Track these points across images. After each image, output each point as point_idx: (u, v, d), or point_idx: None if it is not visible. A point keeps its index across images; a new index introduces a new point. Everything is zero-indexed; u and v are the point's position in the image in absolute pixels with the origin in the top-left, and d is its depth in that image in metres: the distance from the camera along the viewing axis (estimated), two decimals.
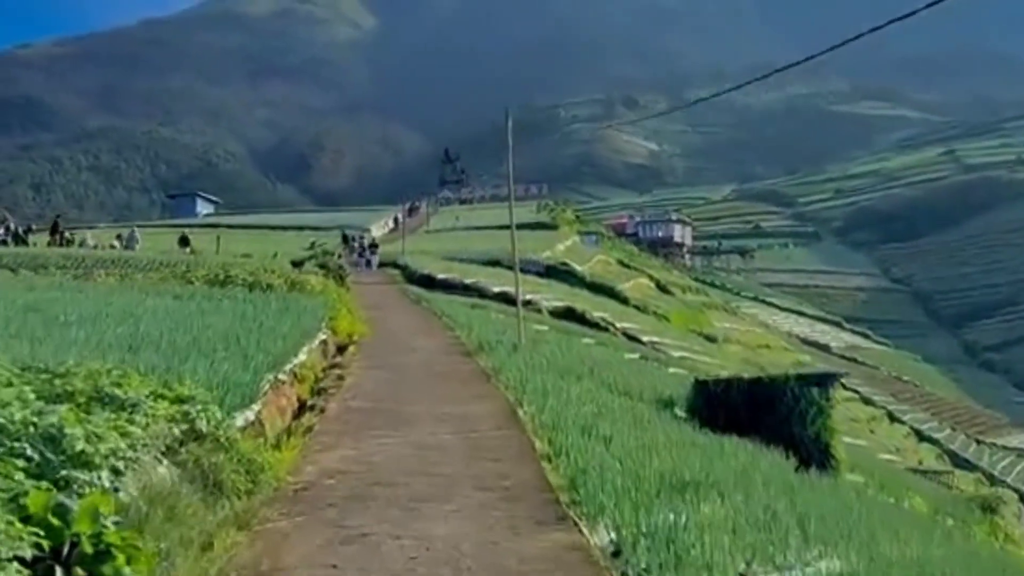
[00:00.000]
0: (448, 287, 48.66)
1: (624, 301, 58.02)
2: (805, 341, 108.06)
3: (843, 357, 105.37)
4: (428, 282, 49.47)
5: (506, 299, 47.68)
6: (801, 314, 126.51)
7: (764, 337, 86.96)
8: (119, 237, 47.85)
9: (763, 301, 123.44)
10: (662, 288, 76.57)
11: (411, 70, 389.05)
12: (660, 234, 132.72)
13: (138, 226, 75.22)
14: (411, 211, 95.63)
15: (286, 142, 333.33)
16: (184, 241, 43.84)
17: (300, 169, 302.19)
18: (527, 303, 49.16)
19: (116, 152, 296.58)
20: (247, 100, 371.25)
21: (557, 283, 55.88)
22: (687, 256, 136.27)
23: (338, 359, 19.42)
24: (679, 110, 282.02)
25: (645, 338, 48.74)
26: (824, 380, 17.49)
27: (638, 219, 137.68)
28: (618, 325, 49.01)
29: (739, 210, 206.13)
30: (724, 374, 22.80)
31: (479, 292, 48.43)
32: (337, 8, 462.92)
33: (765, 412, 16.59)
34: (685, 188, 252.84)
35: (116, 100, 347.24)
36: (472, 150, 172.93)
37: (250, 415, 10.18)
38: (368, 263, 54.66)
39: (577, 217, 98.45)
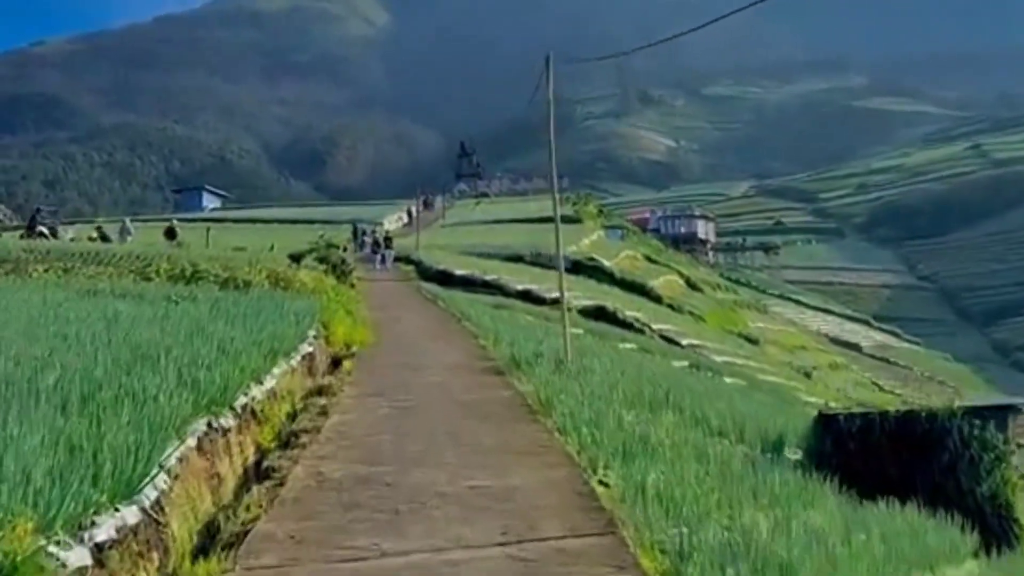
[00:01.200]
0: (466, 284, 44.04)
1: (657, 299, 53.16)
2: (835, 340, 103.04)
3: (874, 357, 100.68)
4: (444, 279, 44.83)
5: (530, 297, 43.05)
6: (828, 312, 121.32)
7: (798, 337, 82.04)
8: (99, 229, 43.12)
9: (789, 299, 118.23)
10: (692, 285, 71.61)
11: (425, 67, 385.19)
12: (683, 230, 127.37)
13: (139, 219, 70.76)
14: (425, 205, 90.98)
15: (300, 139, 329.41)
16: (170, 233, 39.10)
17: (314, 166, 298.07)
18: (555, 301, 44.50)
19: (130, 149, 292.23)
20: (261, 97, 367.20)
21: (584, 279, 51.07)
22: (710, 253, 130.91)
23: (328, 379, 14.56)
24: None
25: (684, 341, 44.06)
26: (1002, 414, 12.48)
27: (660, 214, 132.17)
28: (654, 326, 44.35)
29: (759, 206, 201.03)
30: (820, 401, 18.06)
31: (500, 290, 43.83)
32: (351, 5, 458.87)
33: (919, 459, 11.71)
34: (702, 184, 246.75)
35: (131, 97, 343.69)
36: (486, 146, 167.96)
37: (104, 537, 5.13)
38: (382, 259, 49.69)
39: (600, 211, 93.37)
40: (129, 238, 41.75)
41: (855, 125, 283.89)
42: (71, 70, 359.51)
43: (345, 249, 40.44)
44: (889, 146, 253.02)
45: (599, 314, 43.14)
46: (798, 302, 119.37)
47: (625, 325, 42.74)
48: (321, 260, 30.63)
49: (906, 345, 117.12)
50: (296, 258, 32.26)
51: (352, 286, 29.93)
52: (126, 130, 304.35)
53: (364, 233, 64.00)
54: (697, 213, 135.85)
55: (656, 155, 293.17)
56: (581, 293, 45.30)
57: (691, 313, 54.95)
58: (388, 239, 53.65)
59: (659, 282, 59.21)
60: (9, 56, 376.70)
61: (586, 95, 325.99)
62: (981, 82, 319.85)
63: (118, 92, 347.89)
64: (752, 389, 29.51)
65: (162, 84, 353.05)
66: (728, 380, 30.27)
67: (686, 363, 31.51)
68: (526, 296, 43.53)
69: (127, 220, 47.12)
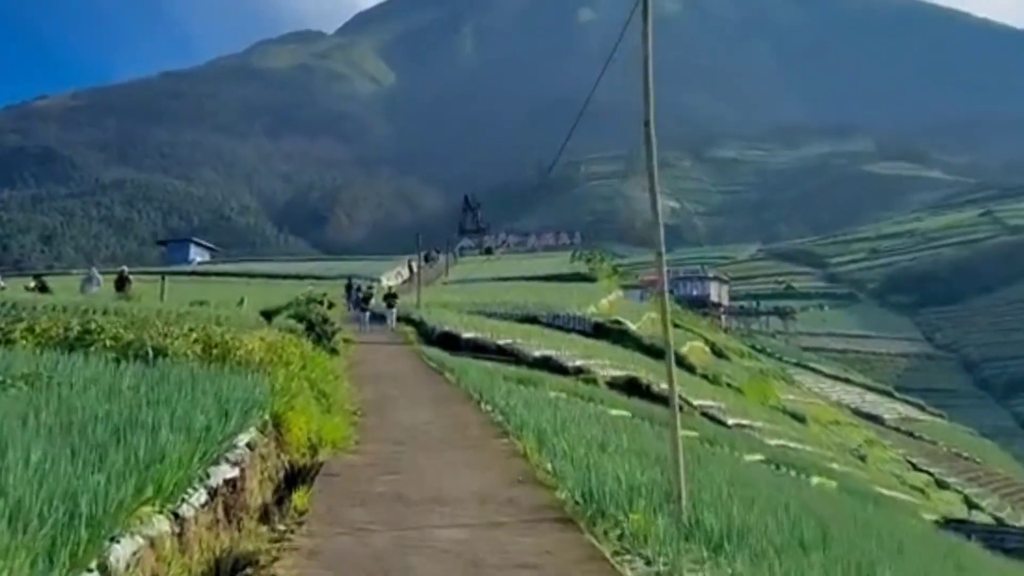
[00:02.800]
0: (476, 349, 37.40)
1: (690, 369, 46.31)
2: (857, 412, 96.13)
3: (898, 430, 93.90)
4: (451, 342, 38.21)
5: (550, 366, 36.52)
6: (848, 382, 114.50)
7: (828, 410, 75.20)
8: (37, 279, 36.57)
9: (807, 367, 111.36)
10: (717, 352, 64.76)
11: (429, 126, 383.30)
12: (695, 292, 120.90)
13: (108, 270, 64.35)
14: (427, 259, 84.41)
15: (302, 196, 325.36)
16: (121, 283, 32.54)
17: (315, 223, 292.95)
18: (578, 371, 37.75)
19: (129, 204, 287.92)
20: (264, 153, 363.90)
21: (609, 345, 44.35)
22: (723, 316, 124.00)
23: (262, 528, 8.03)
24: None
25: (731, 420, 37.36)
26: None
27: (671, 275, 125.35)
28: (695, 402, 37.64)
29: (767, 270, 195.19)
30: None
31: (516, 356, 37.19)
32: (357, 64, 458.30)
33: None
34: (707, 247, 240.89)
35: (132, 152, 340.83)
36: (491, 204, 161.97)
37: None
38: (371, 317, 43.12)
39: (615, 270, 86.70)
40: (95, 288, 35.42)
41: (862, 189, 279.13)
42: (73, 124, 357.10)
43: (331, 306, 33.68)
44: (897, 211, 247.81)
45: (631, 387, 36.73)
46: (816, 371, 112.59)
47: (662, 400, 36.08)
48: (298, 318, 23.95)
49: (929, 418, 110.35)
50: (269, 315, 25.77)
51: (334, 351, 23.31)
52: (126, 185, 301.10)
53: (359, 289, 57.62)
54: (711, 275, 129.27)
55: (661, 217, 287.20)
56: (608, 361, 38.80)
57: (728, 385, 48.18)
58: (392, 295, 46.72)
59: (687, 349, 52.39)
60: (12, 110, 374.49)
61: (591, 155, 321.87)
62: (987, 149, 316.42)
63: (119, 147, 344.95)
64: (857, 497, 22.77)
65: (164, 139, 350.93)
66: (815, 481, 23.67)
67: (759, 457, 24.88)
68: (545, 364, 37.01)
69: (94, 269, 40.58)
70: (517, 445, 12.49)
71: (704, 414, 36.75)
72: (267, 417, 10.66)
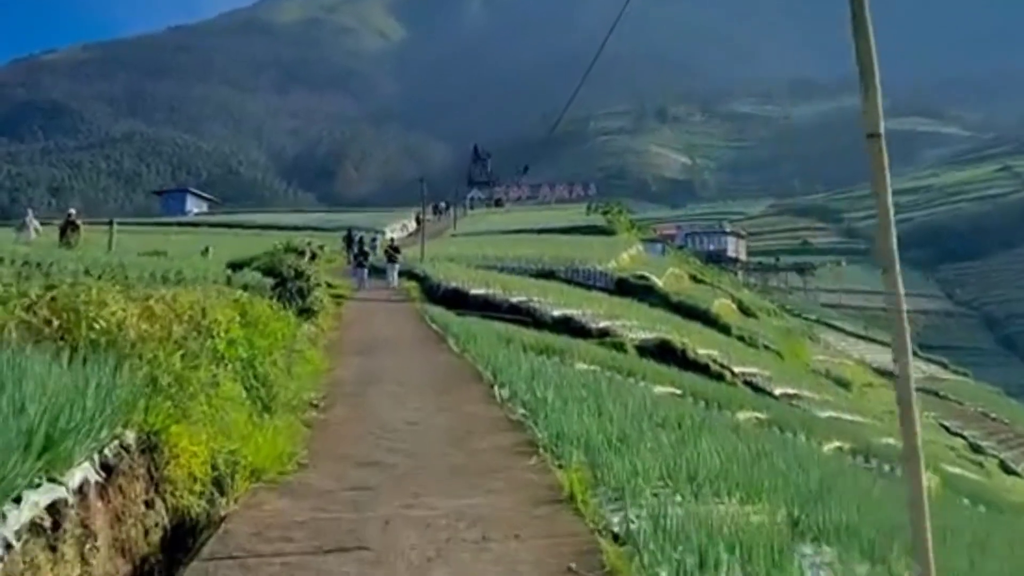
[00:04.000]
0: (487, 307, 32.56)
1: (724, 330, 41.34)
2: (879, 371, 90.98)
3: (923, 390, 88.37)
4: (458, 300, 33.36)
5: (571, 327, 31.72)
6: (870, 339, 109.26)
7: (857, 371, 70.25)
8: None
9: (828, 324, 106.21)
10: (744, 311, 59.63)
11: (438, 81, 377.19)
12: (711, 247, 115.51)
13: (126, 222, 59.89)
14: (436, 211, 79.22)
15: (310, 151, 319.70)
16: (65, 230, 27.47)
17: (323, 177, 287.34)
18: (603, 333, 32.83)
19: (138, 158, 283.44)
20: (272, 108, 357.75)
21: (634, 303, 39.40)
22: (740, 272, 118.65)
23: None
24: None
25: (777, 390, 32.46)
26: None
27: (687, 230, 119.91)
28: (736, 369, 32.78)
29: (782, 225, 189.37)
30: None
31: (532, 316, 32.34)
32: (365, 19, 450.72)
33: None
34: (719, 202, 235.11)
35: (141, 106, 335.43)
36: (499, 158, 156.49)
37: None
38: (384, 273, 38.25)
39: (633, 224, 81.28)
40: (30, 236, 30.61)
41: None
42: (82, 78, 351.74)
43: (313, 257, 28.58)
44: (912, 167, 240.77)
45: (662, 351, 31.92)
46: (837, 328, 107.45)
47: (698, 367, 31.49)
48: (266, 271, 19.00)
49: (952, 377, 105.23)
50: (238, 267, 20.92)
51: (309, 313, 18.43)
52: (135, 139, 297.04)
53: (361, 242, 52.82)
54: (728, 229, 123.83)
55: (671, 172, 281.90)
56: (636, 322, 33.88)
57: (766, 347, 43.18)
58: (395, 248, 41.21)
59: (716, 307, 47.32)
60: (20, 63, 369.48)
61: (600, 111, 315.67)
62: (1002, 104, 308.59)
63: (128, 101, 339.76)
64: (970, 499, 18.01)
65: (173, 94, 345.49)
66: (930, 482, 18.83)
67: (837, 445, 20.11)
68: (565, 325, 32.12)
69: (30, 214, 35.42)
70: (555, 475, 7.56)
71: (748, 383, 32.00)
72: (129, 437, 5.83)
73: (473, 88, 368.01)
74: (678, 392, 19.88)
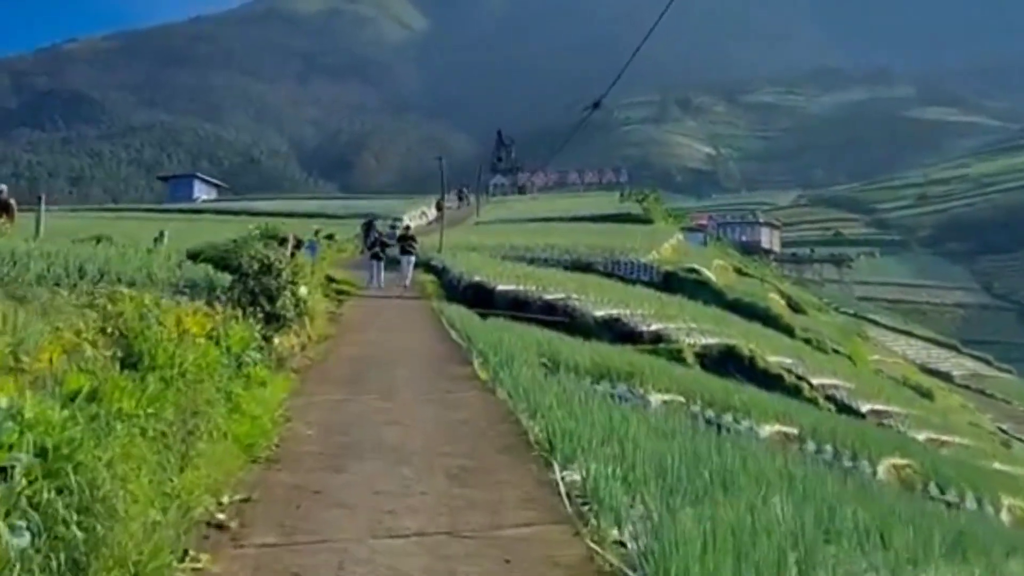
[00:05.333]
0: (516, 307, 27.17)
1: (787, 331, 35.65)
2: (924, 368, 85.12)
3: (968, 388, 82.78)
4: (481, 297, 27.98)
5: (616, 330, 26.45)
6: (910, 334, 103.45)
7: (912, 371, 64.40)
8: None
9: (867, 319, 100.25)
10: (792, 307, 53.77)
11: (459, 70, 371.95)
12: (744, 238, 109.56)
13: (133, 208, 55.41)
14: (459, 198, 73.53)
15: (331, 140, 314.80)
16: None
17: (344, 167, 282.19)
18: (656, 339, 27.29)
19: (159, 147, 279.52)
20: (293, 98, 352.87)
21: (685, 300, 33.77)
22: (774, 264, 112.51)
23: None
24: None
25: (864, 405, 26.81)
26: None
27: (719, 220, 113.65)
28: (814, 380, 27.18)
29: (811, 216, 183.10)
30: None
31: (569, 317, 26.96)
32: (386, 8, 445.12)
33: None
34: (745, 193, 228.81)
35: (162, 96, 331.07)
36: (520, 149, 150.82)
37: None
38: (398, 265, 32.19)
39: (669, 212, 75.40)
40: None
41: (902, 135, 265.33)
42: (103, 67, 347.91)
43: (297, 245, 22.97)
44: (940, 156, 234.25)
45: (727, 359, 26.60)
46: (876, 323, 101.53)
47: (769, 376, 26.11)
48: (221, 265, 13.57)
49: (997, 374, 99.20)
50: (195, 257, 15.47)
51: (276, 321, 13.01)
52: (156, 128, 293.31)
53: (376, 230, 47.63)
54: (761, 219, 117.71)
55: (695, 162, 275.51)
56: (693, 324, 28.31)
57: (835, 351, 37.45)
58: (409, 238, 34.49)
59: (769, 304, 41.51)
60: (42, 52, 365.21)
61: (623, 100, 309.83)
62: None
63: (150, 90, 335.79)
64: None
65: (194, 83, 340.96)
66: None
67: (1010, 504, 14.49)
68: (610, 328, 26.73)
69: None
70: None
71: (829, 397, 26.43)
72: None
73: (494, 78, 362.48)
74: (793, 432, 14.36)
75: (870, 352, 56.57)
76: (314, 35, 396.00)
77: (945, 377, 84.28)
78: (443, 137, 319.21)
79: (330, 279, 30.28)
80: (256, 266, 13.58)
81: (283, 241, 17.56)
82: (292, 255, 18.21)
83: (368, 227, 47.28)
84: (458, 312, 22.79)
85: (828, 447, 13.87)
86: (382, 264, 31.51)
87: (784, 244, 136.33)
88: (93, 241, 18.46)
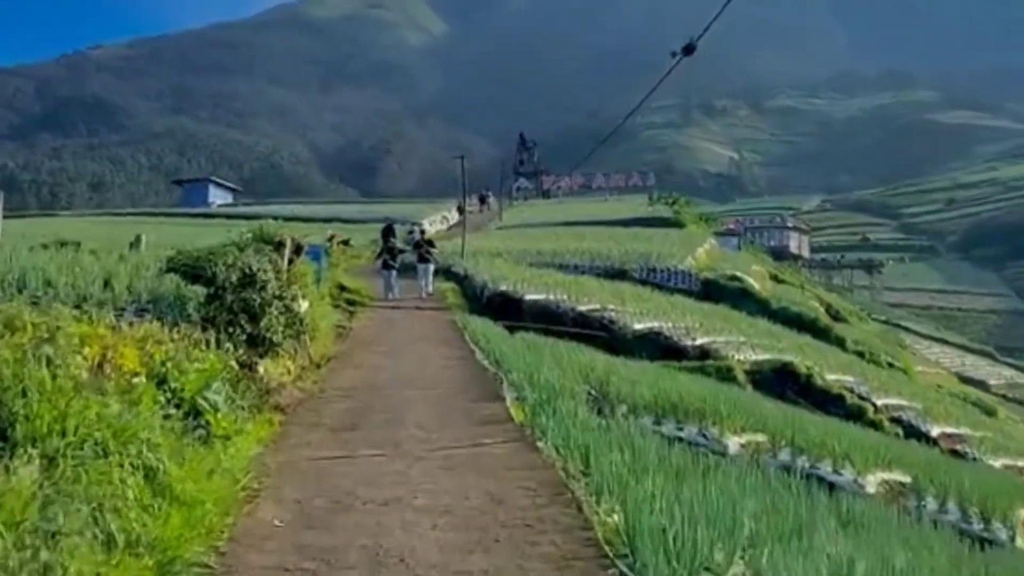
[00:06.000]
0: (547, 318, 24.41)
1: (839, 343, 32.71)
2: (964, 379, 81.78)
3: (1005, 398, 79.40)
4: (508, 307, 25.18)
5: (659, 343, 23.67)
6: (944, 342, 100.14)
7: (952, 380, 61.35)
8: None
9: (900, 326, 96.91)
10: (833, 315, 50.67)
11: (480, 76, 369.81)
12: (772, 243, 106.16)
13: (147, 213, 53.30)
14: (481, 201, 70.63)
15: (353, 146, 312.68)
16: None
17: (366, 172, 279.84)
18: (703, 355, 24.41)
19: (180, 153, 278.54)
20: (315, 104, 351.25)
21: (728, 310, 30.90)
22: (802, 270, 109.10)
23: None
24: None
25: (934, 429, 23.85)
26: None
27: (746, 225, 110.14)
28: (878, 401, 24.28)
29: (838, 220, 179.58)
30: None
31: (607, 330, 24.22)
32: (408, 14, 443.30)
33: None
34: (768, 198, 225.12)
35: (184, 102, 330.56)
36: (542, 155, 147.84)
37: None
38: (413, 271, 29.22)
39: (700, 216, 72.27)
40: None
41: (928, 139, 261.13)
42: (126, 74, 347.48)
43: (298, 251, 20.22)
44: (966, 161, 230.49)
45: (781, 376, 23.78)
46: (909, 330, 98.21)
47: (829, 397, 23.32)
48: (192, 275, 10.84)
49: None
50: (175, 269, 12.72)
51: (266, 347, 10.34)
52: (177, 134, 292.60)
53: (393, 236, 44.89)
54: (789, 224, 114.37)
55: (718, 167, 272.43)
56: (740, 337, 25.43)
57: (889, 364, 34.44)
58: (427, 243, 30.67)
59: (820, 314, 38.52)
60: (65, 59, 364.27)
61: (645, 105, 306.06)
62: None
63: (172, 96, 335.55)
64: None
65: (216, 89, 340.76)
66: None
67: None
68: (651, 342, 23.94)
69: None
70: None
71: (895, 420, 23.50)
72: None
73: (516, 83, 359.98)
74: (903, 480, 11.53)
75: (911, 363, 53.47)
76: (335, 41, 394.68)
77: (982, 386, 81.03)
78: (464, 142, 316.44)
79: (342, 288, 27.56)
80: (235, 277, 10.85)
81: (279, 246, 14.75)
82: (291, 262, 15.43)
83: (387, 233, 44.64)
84: (483, 325, 20.06)
85: (952, 504, 11.03)
86: (395, 273, 28.49)
87: (811, 249, 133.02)
88: (55, 247, 15.83)
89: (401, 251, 30.20)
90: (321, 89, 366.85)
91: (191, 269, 10.94)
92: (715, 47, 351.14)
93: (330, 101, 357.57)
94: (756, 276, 43.04)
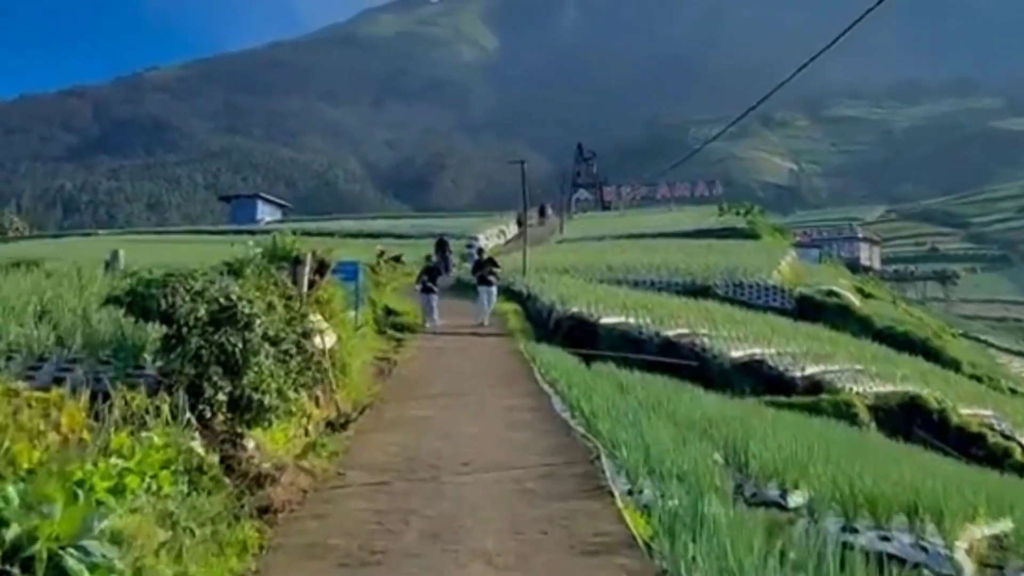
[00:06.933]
0: (628, 345, 20.62)
1: (953, 366, 28.47)
2: None
3: None
4: (581, 333, 21.40)
5: (761, 375, 19.77)
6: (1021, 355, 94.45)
7: None
8: None
9: (978, 339, 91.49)
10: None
11: (534, 90, 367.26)
12: (842, 254, 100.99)
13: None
14: (541, 214, 66.66)
15: (407, 162, 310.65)
16: None
17: (420, 188, 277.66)
18: (815, 387, 20.33)
19: (235, 171, 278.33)
20: (369, 120, 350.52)
21: (829, 330, 26.83)
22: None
23: None
24: None
25: None
26: None
27: (813, 236, 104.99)
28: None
29: (905, 231, 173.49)
30: None
31: (699, 359, 20.35)
32: (460, 30, 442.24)
33: None
34: (829, 209, 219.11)
35: (239, 121, 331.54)
36: (601, 164, 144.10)
37: None
38: (477, 297, 25.12)
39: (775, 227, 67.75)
40: None
41: (992, 146, 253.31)
42: (183, 94, 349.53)
43: (317, 270, 16.58)
44: None
45: (908, 412, 19.83)
46: (988, 343, 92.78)
47: (969, 438, 19.35)
48: (139, 309, 7.08)
49: None
50: (117, 300, 9.06)
51: (256, 416, 6.65)
52: (232, 153, 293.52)
53: (449, 251, 41.80)
54: (860, 234, 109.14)
55: (777, 178, 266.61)
56: (855, 364, 21.38)
57: (1012, 391, 30.18)
58: (490, 263, 26.14)
59: (931, 334, 34.22)
60: (124, 80, 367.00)
61: (699, 117, 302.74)
62: None
63: (227, 116, 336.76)
64: None
65: (271, 108, 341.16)
66: None
67: None
68: (751, 373, 20.08)
69: None
70: None
71: None
72: None
73: (569, 96, 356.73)
74: None
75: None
76: (388, 58, 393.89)
77: None
78: (519, 155, 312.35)
79: (388, 311, 23.94)
80: (204, 311, 7.18)
81: (296, 263, 11.14)
82: (312, 284, 11.83)
83: (440, 248, 41.24)
84: (553, 357, 16.34)
85: None
86: (435, 298, 24.48)
87: (882, 261, 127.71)
88: (13, 267, 12.41)
89: (442, 272, 25.96)
90: (374, 106, 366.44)
91: (140, 300, 7.27)
92: (772, 58, 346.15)
93: (383, 118, 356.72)
94: (848, 291, 38.78)
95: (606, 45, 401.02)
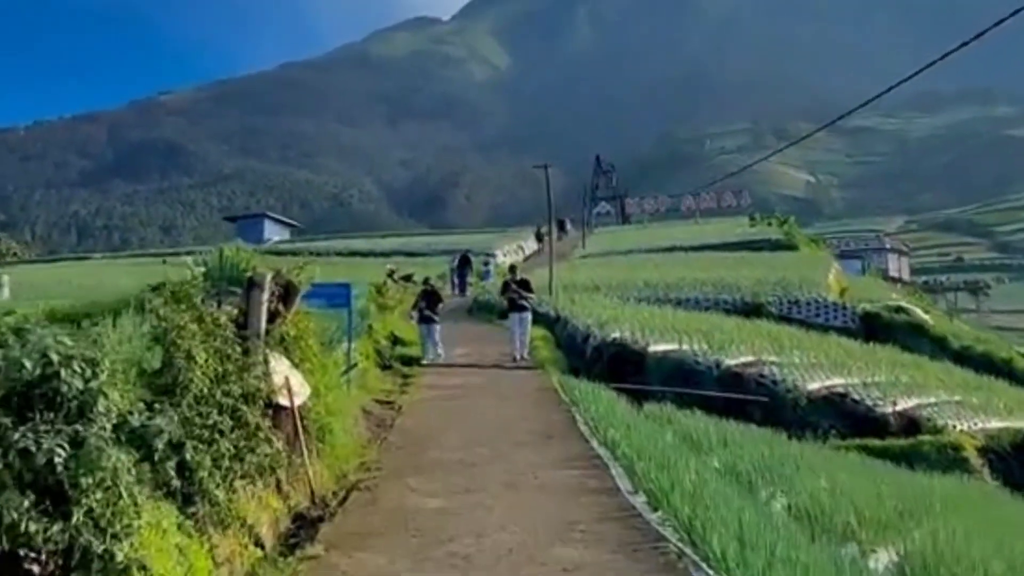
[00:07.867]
0: (683, 379, 16.91)
1: None
2: None
3: None
4: (623, 364, 17.71)
5: (844, 412, 16.19)
6: None
7: None
8: None
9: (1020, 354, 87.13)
10: None
11: (547, 108, 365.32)
12: (870, 265, 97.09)
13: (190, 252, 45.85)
14: (561, 228, 62.95)
15: (421, 181, 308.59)
16: None
17: (435, 206, 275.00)
18: (911, 424, 16.77)
19: (250, 194, 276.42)
20: (383, 140, 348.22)
21: (902, 353, 23.04)
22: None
23: None
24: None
25: None
26: None
27: (841, 246, 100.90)
28: None
29: (928, 241, 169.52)
30: None
31: (769, 393, 16.61)
32: (473, 48, 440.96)
33: None
34: (848, 220, 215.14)
35: (253, 143, 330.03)
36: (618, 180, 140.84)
37: None
38: (510, 325, 20.56)
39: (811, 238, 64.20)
40: None
41: (1010, 155, 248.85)
42: (196, 117, 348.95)
43: (285, 295, 12.93)
44: None
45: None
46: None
47: None
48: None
49: None
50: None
51: None
52: (247, 175, 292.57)
53: (469, 268, 38.46)
54: (888, 245, 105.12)
55: (794, 190, 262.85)
56: (958, 396, 17.62)
57: None
58: (520, 283, 21.05)
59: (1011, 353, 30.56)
60: (138, 104, 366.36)
61: (715, 130, 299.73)
62: None
63: (241, 138, 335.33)
64: None
65: (285, 129, 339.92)
66: None
67: None
68: (832, 409, 16.41)
69: None
70: None
71: None
72: None
73: (583, 113, 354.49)
74: None
75: None
76: (401, 78, 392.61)
77: None
78: (533, 173, 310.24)
79: (395, 341, 20.32)
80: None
81: (251, 287, 7.48)
82: (274, 317, 8.24)
83: (463, 265, 38.14)
84: (596, 397, 12.74)
85: None
86: (437, 328, 20.40)
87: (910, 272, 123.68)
88: None
89: (441, 299, 21.80)
90: (388, 126, 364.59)
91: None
92: (787, 70, 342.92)
93: (397, 137, 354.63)
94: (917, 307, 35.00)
95: (618, 60, 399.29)
